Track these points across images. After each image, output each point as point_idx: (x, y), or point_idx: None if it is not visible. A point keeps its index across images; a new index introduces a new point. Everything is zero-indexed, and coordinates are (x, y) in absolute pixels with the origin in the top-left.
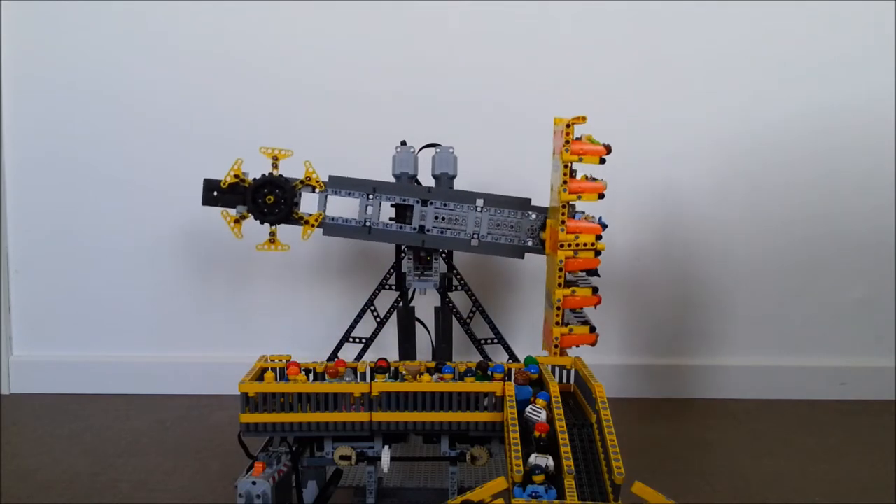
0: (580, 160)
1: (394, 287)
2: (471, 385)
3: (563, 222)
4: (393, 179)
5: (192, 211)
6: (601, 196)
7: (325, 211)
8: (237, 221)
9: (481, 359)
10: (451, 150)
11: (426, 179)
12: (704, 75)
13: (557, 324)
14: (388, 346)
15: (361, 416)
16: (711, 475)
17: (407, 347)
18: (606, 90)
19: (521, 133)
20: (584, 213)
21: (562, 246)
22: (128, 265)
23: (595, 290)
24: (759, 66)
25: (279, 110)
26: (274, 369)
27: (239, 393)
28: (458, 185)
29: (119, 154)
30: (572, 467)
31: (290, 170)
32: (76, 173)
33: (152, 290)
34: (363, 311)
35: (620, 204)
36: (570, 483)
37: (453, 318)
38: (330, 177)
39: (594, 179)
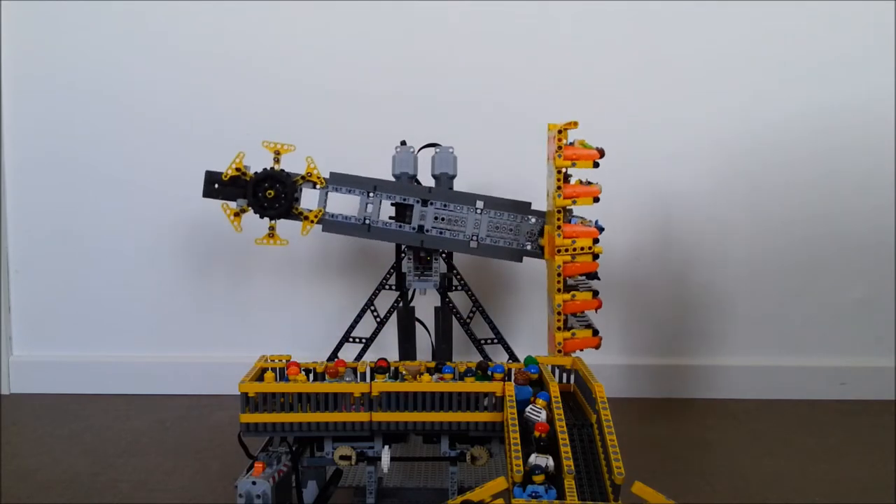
0: (573, 165)
1: (394, 287)
2: (471, 385)
3: (559, 227)
4: (393, 180)
5: (192, 211)
6: (596, 200)
7: (325, 207)
8: (237, 215)
9: (481, 359)
10: (450, 150)
11: (426, 179)
12: (704, 75)
13: (560, 329)
14: (388, 346)
15: (361, 416)
16: (711, 475)
17: (407, 347)
18: (606, 90)
19: (521, 133)
20: (581, 217)
21: (559, 251)
22: (128, 265)
23: (595, 293)
24: (759, 66)
25: (279, 110)
26: (274, 369)
27: (239, 393)
28: (458, 184)
29: (119, 154)
30: (572, 467)
31: (292, 166)
32: (76, 173)
33: (152, 289)
34: (363, 311)
35: (620, 204)
36: (570, 483)
37: (453, 318)
38: (331, 173)
39: (589, 183)
